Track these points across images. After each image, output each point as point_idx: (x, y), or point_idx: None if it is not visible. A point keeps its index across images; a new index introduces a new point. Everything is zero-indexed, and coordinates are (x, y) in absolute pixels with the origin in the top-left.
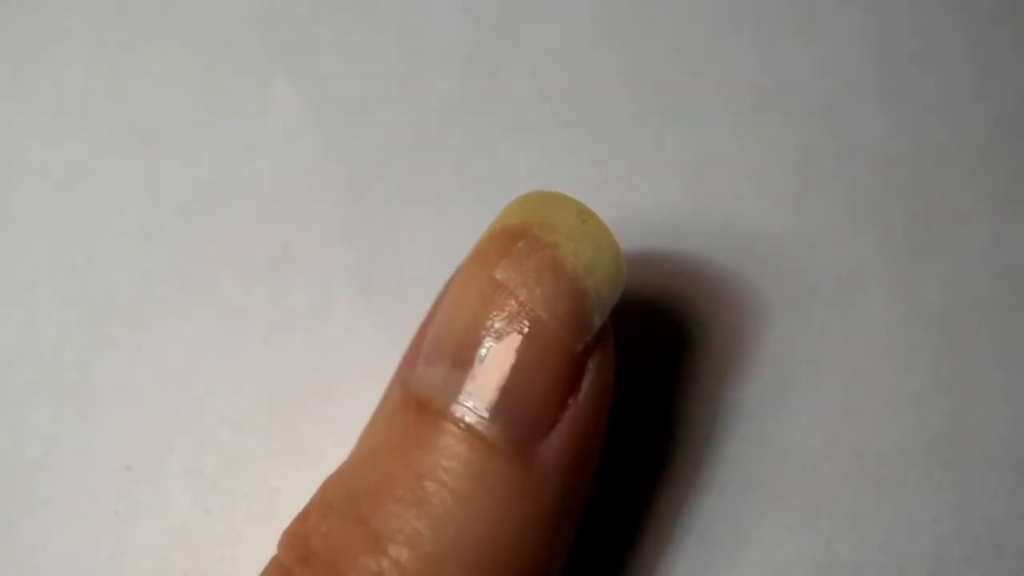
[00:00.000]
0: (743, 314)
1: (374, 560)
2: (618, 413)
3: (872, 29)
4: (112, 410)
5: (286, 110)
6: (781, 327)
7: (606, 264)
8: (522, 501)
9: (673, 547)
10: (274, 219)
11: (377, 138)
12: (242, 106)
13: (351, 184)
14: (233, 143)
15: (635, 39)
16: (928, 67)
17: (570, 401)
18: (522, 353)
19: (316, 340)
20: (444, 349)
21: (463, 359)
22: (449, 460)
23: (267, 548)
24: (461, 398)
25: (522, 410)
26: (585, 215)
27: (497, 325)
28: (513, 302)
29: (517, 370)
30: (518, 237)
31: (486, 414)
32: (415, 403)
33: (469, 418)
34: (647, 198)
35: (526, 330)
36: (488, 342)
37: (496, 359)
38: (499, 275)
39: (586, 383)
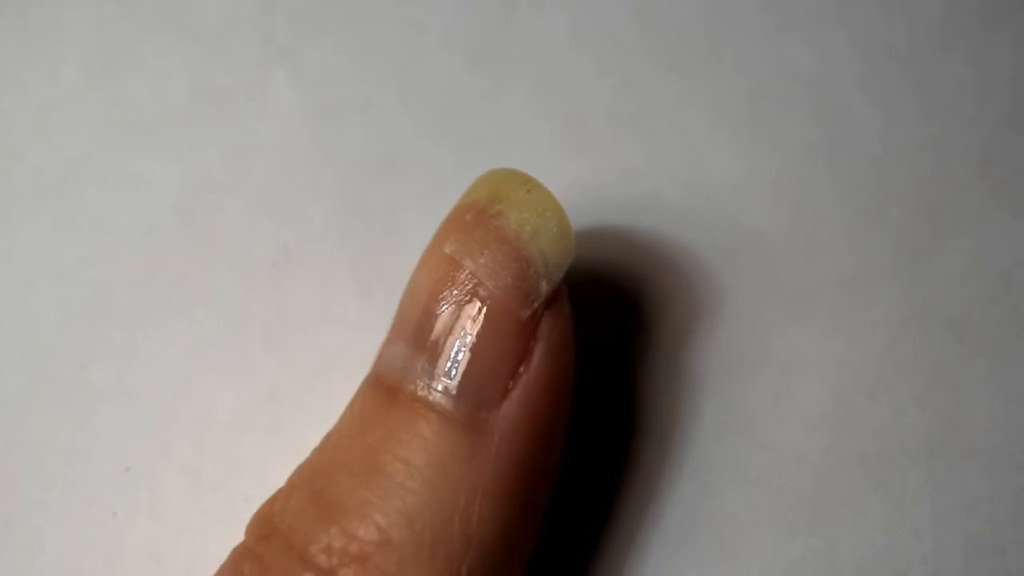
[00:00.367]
0: (743, 314)
1: (323, 530)
2: (611, 411)
3: (872, 29)
4: (110, 411)
5: (284, 110)
6: (782, 327)
7: (551, 230)
8: (474, 472)
9: (673, 549)
10: (272, 219)
11: (376, 138)
12: (240, 105)
13: (349, 184)
14: (231, 143)
15: (635, 39)
16: (928, 68)
17: (521, 369)
18: (469, 323)
19: (315, 340)
20: (403, 328)
21: (419, 335)
22: (402, 432)
23: None
24: (415, 372)
25: (472, 380)
26: (530, 185)
27: (446, 296)
28: (460, 274)
29: (465, 340)
30: (467, 212)
31: (438, 385)
32: (375, 382)
33: (421, 391)
34: (647, 198)
35: (473, 300)
36: (439, 315)
37: (445, 331)
38: (448, 249)
39: (538, 350)
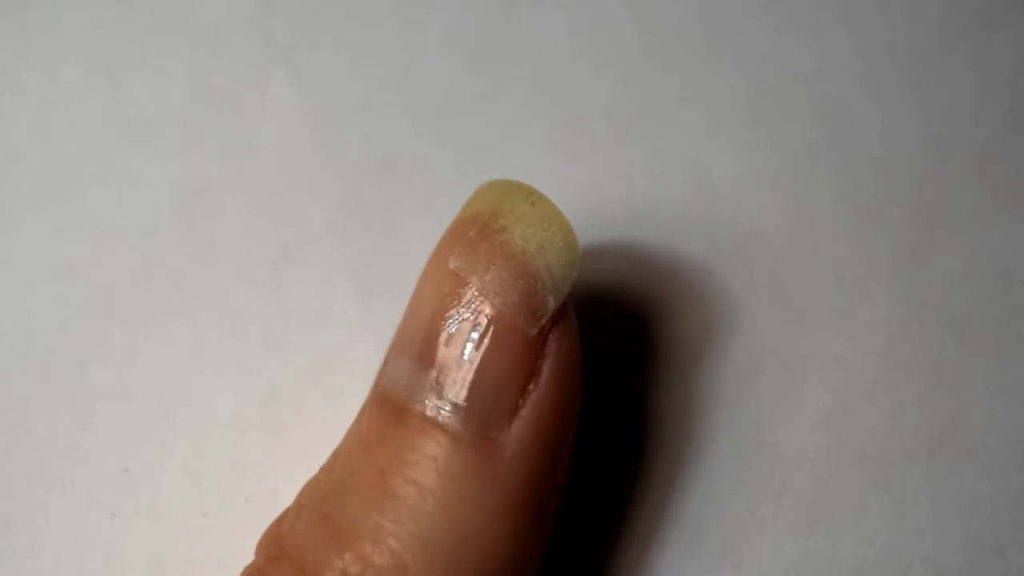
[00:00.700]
0: (744, 314)
1: (337, 556)
2: (610, 414)
3: (872, 28)
4: (110, 411)
5: (284, 110)
6: (782, 327)
7: (557, 244)
8: (487, 492)
9: (672, 550)
10: (272, 219)
11: (376, 138)
12: (240, 105)
13: (349, 184)
14: (231, 143)
15: (635, 39)
16: (928, 68)
17: (531, 386)
18: (477, 342)
19: (315, 340)
20: (408, 345)
21: (425, 353)
22: (411, 453)
23: None
24: (422, 391)
25: (481, 399)
26: (535, 198)
27: (453, 315)
28: (466, 290)
29: (472, 359)
30: (470, 225)
31: (446, 406)
32: (381, 400)
33: (430, 411)
34: (646, 199)
35: (480, 318)
36: (445, 333)
37: (453, 350)
38: (452, 265)
39: (546, 367)
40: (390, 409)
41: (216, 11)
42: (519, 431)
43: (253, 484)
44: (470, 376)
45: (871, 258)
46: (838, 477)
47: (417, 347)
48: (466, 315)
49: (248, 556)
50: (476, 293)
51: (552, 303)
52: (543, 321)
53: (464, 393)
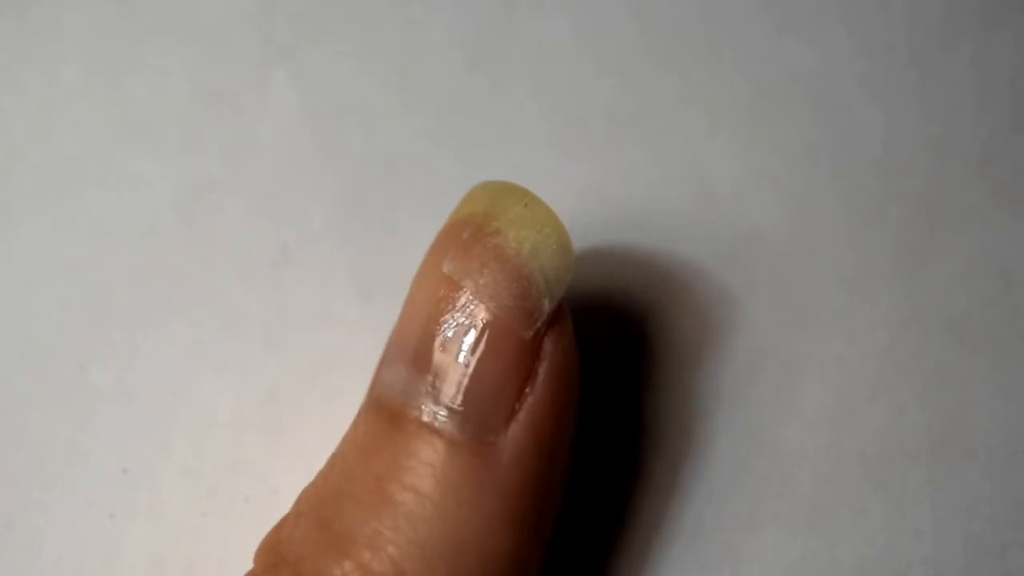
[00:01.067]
0: (745, 314)
1: (336, 563)
2: (610, 414)
3: (873, 28)
4: (110, 411)
5: (284, 110)
6: (782, 327)
7: (551, 247)
8: (485, 497)
9: (673, 551)
10: (272, 219)
11: (376, 138)
12: (240, 105)
13: (349, 184)
14: (231, 143)
15: (635, 39)
16: (929, 68)
17: (527, 390)
18: (472, 346)
19: (315, 340)
20: (402, 350)
21: (420, 358)
22: (407, 459)
23: None
24: (418, 396)
25: (477, 403)
26: (528, 199)
27: (447, 319)
28: (460, 294)
29: (468, 363)
30: (463, 228)
31: (442, 411)
32: (376, 406)
33: (426, 416)
34: (646, 198)
35: (475, 321)
36: (440, 337)
37: (448, 354)
38: (446, 268)
39: (542, 370)
40: (386, 414)
41: (216, 11)
42: (516, 435)
43: (253, 484)
44: (466, 380)
45: (871, 258)
46: (838, 477)
47: (412, 352)
48: (461, 319)
49: (248, 556)
50: (470, 297)
51: (547, 306)
52: (538, 324)
53: (460, 398)
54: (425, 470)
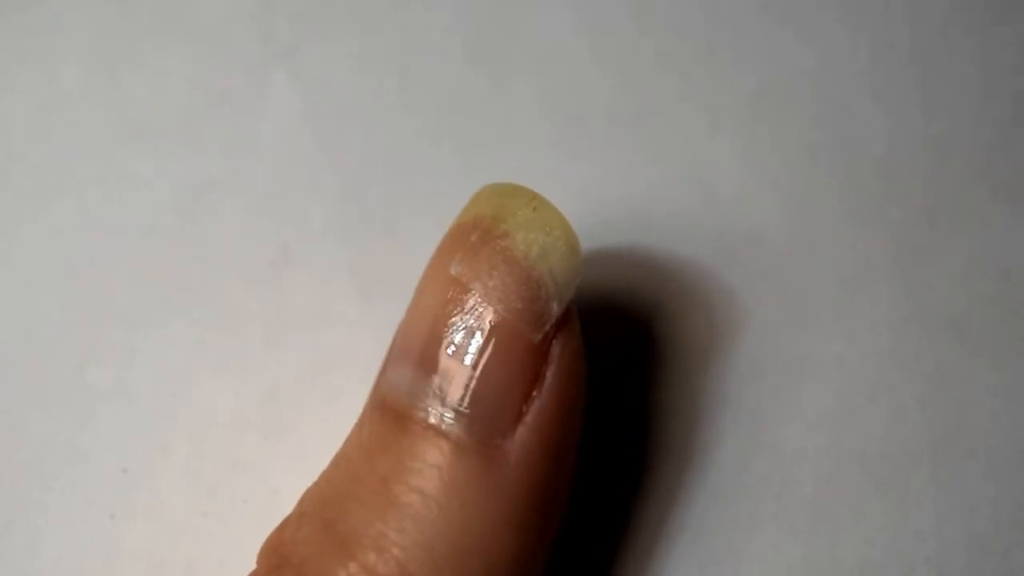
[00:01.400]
0: (745, 314)
1: (341, 565)
2: (611, 414)
3: (873, 27)
4: (108, 412)
5: (284, 109)
6: (783, 327)
7: (560, 250)
8: (491, 499)
9: (672, 550)
10: (272, 219)
11: (375, 137)
12: (240, 105)
13: (349, 183)
14: (231, 143)
15: (634, 39)
16: (930, 66)
17: (535, 393)
18: (480, 348)
19: (315, 340)
20: (408, 350)
21: (427, 359)
22: (414, 461)
23: None
24: (424, 398)
25: (485, 406)
26: (536, 202)
27: (455, 321)
28: (469, 297)
29: (476, 365)
30: (471, 231)
31: (449, 413)
32: (382, 406)
33: (433, 418)
34: (646, 198)
35: (483, 324)
36: (447, 339)
37: (455, 356)
38: (454, 270)
39: (550, 373)
40: (392, 416)
41: (216, 11)
42: (523, 438)
43: (252, 484)
44: (473, 383)
45: (872, 258)
46: (839, 477)
47: (418, 353)
48: (469, 321)
49: (247, 557)
50: (479, 299)
51: (556, 309)
52: (547, 327)
53: (467, 400)
54: (431, 472)
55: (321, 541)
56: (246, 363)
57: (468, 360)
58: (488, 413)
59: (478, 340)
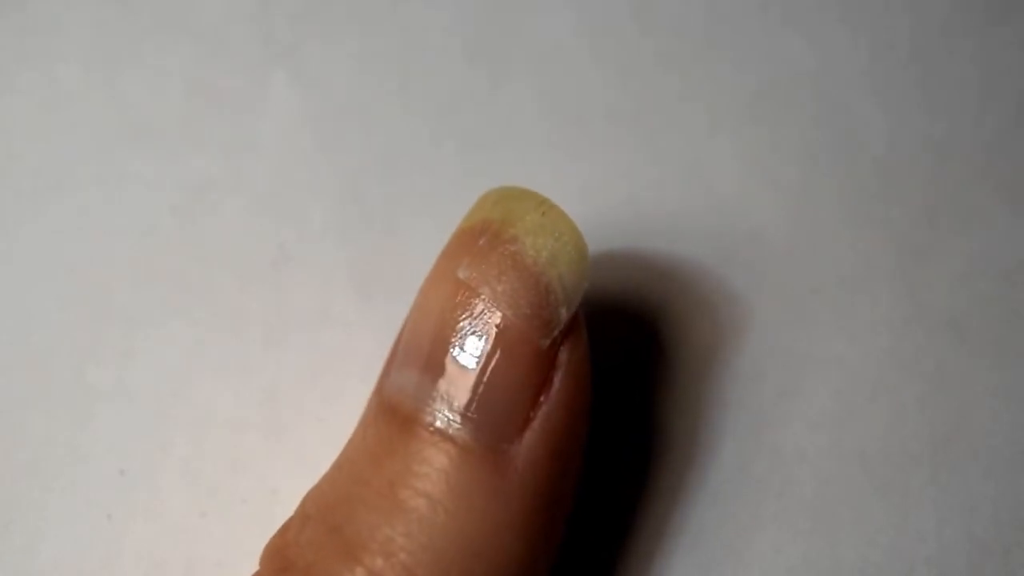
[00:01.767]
0: (745, 314)
1: (348, 569)
2: (612, 415)
3: (874, 27)
4: (108, 412)
5: (283, 109)
6: (783, 327)
7: (569, 255)
8: (498, 504)
9: (673, 551)
10: (272, 219)
11: (375, 137)
12: (240, 105)
13: (348, 183)
14: (231, 143)
15: (634, 39)
16: (931, 66)
17: (542, 398)
18: (488, 353)
19: (314, 341)
20: (414, 354)
21: (433, 363)
22: (421, 465)
23: None
24: (431, 402)
25: (492, 411)
26: (545, 207)
27: (463, 326)
28: (477, 301)
29: (484, 370)
30: (480, 234)
31: (456, 417)
32: (387, 410)
33: (440, 422)
34: (646, 198)
35: (491, 329)
36: (455, 344)
37: (463, 361)
38: (462, 274)
39: (558, 379)
40: (398, 419)
41: (216, 11)
42: (530, 443)
43: (252, 485)
44: (481, 388)
45: (872, 258)
46: (840, 478)
47: (425, 356)
48: (477, 325)
49: (247, 557)
50: (488, 304)
51: (564, 315)
52: (555, 333)
53: (475, 405)
54: (438, 476)
55: (326, 545)
56: (246, 363)
57: (476, 365)
58: (495, 418)
59: (486, 345)
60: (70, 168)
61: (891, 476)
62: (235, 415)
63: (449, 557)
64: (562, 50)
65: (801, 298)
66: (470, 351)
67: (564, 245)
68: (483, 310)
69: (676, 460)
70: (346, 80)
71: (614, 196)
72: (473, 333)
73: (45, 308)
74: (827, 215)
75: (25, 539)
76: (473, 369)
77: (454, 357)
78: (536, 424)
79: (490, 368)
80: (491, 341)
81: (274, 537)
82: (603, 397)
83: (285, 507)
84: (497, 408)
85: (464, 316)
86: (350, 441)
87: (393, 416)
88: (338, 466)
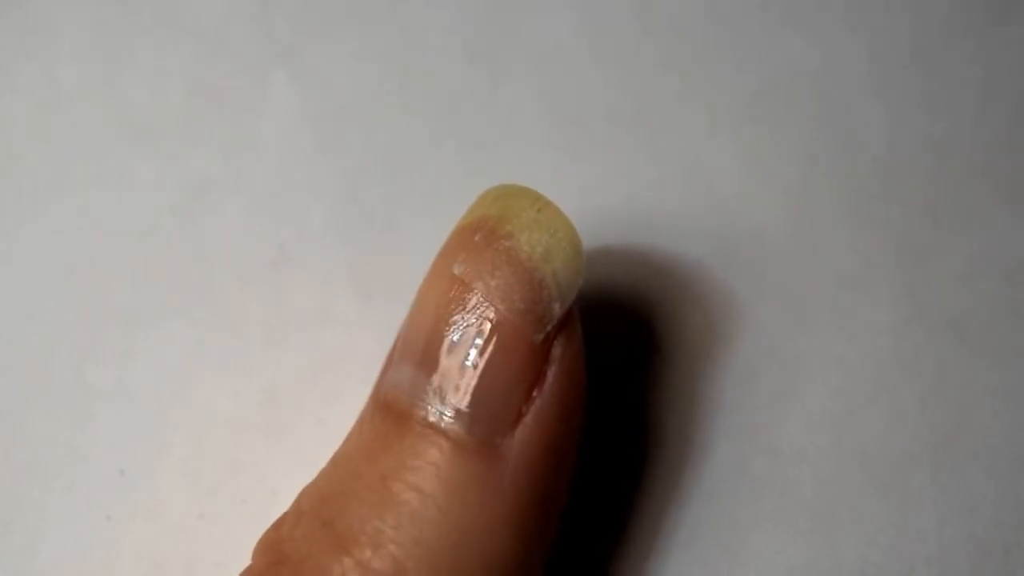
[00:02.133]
0: (745, 314)
1: (338, 562)
2: (608, 412)
3: (875, 26)
4: (107, 412)
5: (283, 108)
6: (784, 327)
7: (563, 251)
8: (490, 499)
9: (669, 549)
10: (272, 219)
11: (375, 137)
12: (240, 105)
13: (348, 183)
14: (231, 143)
15: (634, 39)
16: (931, 66)
17: (535, 393)
18: (481, 347)
19: (314, 341)
20: (410, 350)
21: (428, 358)
22: (413, 459)
23: None
24: (425, 397)
25: (485, 405)
26: (541, 204)
27: (456, 320)
28: (471, 296)
29: (477, 364)
30: (476, 231)
31: (449, 411)
32: (383, 405)
33: (432, 417)
34: (646, 198)
35: (485, 324)
36: (449, 338)
37: (456, 355)
38: (457, 270)
39: (551, 374)
40: (392, 414)
41: (216, 10)
42: (523, 438)
43: (252, 485)
44: (474, 382)
45: (872, 258)
46: (840, 478)
47: (420, 352)
48: (471, 320)
49: (246, 558)
50: (481, 299)
51: (558, 310)
52: (548, 328)
53: (468, 399)
54: (430, 470)
55: (318, 538)
56: (246, 363)
57: (469, 359)
58: (488, 413)
59: (479, 340)
60: (70, 168)
61: (891, 476)
62: (235, 415)
63: (440, 550)
64: (562, 50)
65: (801, 298)
66: (463, 345)
67: (559, 241)
68: (476, 304)
69: (673, 458)
70: (346, 80)
71: (614, 196)
72: (466, 327)
73: (45, 308)
74: (827, 215)
75: (25, 539)
76: (466, 364)
77: (448, 352)
78: (529, 419)
79: (483, 362)
80: (484, 336)
81: (268, 531)
82: (600, 394)
83: (285, 507)
84: (490, 402)
85: (458, 310)
86: (347, 438)
87: (388, 411)
88: (334, 462)
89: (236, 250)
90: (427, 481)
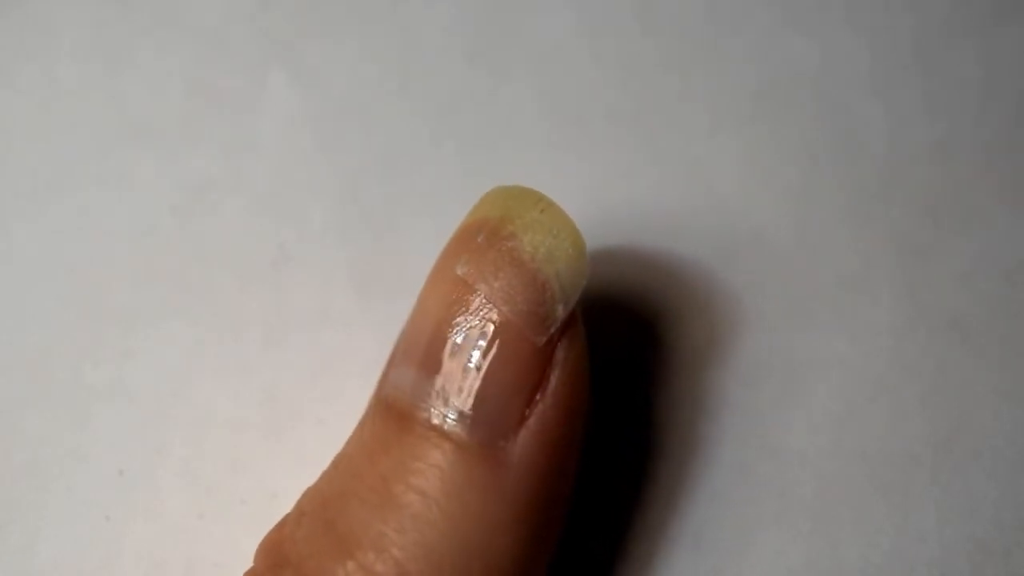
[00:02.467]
0: (745, 315)
1: (340, 564)
2: (611, 414)
3: (876, 26)
4: (107, 412)
5: (282, 108)
6: (784, 328)
7: (566, 252)
8: (492, 501)
9: (672, 551)
10: (271, 219)
11: (375, 137)
12: (240, 105)
13: (348, 183)
14: (229, 141)
15: (635, 39)
16: (932, 66)
17: (538, 396)
18: (484, 349)
19: (314, 341)
20: (413, 351)
21: (430, 360)
22: (415, 461)
23: None
24: (427, 399)
25: (488, 408)
26: (544, 204)
27: (459, 322)
28: (473, 297)
29: (480, 366)
30: (478, 232)
31: (452, 413)
32: (385, 407)
33: (435, 419)
34: (647, 198)
35: (487, 325)
36: (451, 340)
37: (459, 357)
38: (460, 271)
39: (554, 376)
40: (394, 416)
41: (215, 10)
42: (525, 441)
43: (251, 485)
44: (477, 384)
45: (873, 258)
46: (841, 479)
47: (422, 353)
48: (473, 322)
49: (245, 558)
50: (484, 300)
51: (561, 312)
52: (552, 330)
53: (470, 401)
54: (432, 473)
55: (320, 540)
56: (245, 363)
57: (472, 361)
58: (491, 415)
59: (482, 341)
60: (70, 168)
61: (892, 477)
62: (235, 415)
63: (442, 553)
64: (562, 50)
65: (802, 298)
66: (466, 347)
67: (562, 242)
68: (479, 306)
69: (675, 460)
70: (346, 80)
71: (614, 196)
72: (469, 329)
73: (44, 308)
74: (827, 215)
75: (24, 539)
76: (469, 365)
77: (450, 353)
78: (531, 421)
79: (486, 364)
80: (487, 337)
81: (270, 533)
82: (603, 395)
83: (285, 508)
84: (492, 405)
85: (460, 312)
86: (349, 439)
87: (390, 413)
88: (335, 463)
89: (236, 250)
90: (429, 483)
